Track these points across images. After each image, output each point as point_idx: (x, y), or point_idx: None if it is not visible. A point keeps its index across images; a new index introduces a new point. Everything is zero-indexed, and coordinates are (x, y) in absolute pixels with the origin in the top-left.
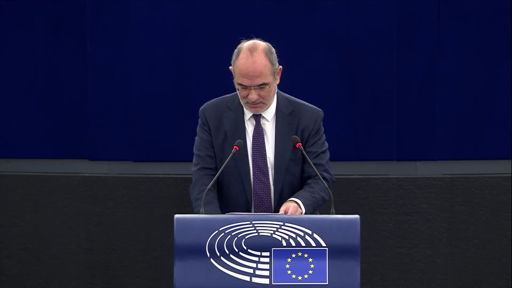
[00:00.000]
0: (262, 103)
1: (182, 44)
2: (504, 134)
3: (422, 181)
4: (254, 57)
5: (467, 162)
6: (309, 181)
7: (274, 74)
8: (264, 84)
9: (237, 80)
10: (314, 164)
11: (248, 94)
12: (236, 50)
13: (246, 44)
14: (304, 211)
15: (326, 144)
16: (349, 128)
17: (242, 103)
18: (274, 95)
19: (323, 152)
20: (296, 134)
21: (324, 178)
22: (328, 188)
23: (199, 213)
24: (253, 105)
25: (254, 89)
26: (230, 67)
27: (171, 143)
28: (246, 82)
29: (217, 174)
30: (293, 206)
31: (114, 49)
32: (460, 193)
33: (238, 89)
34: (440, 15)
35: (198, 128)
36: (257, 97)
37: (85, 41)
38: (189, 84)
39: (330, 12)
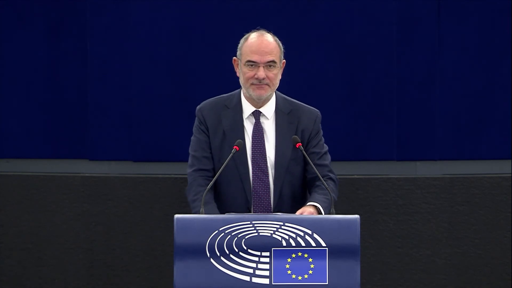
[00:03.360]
0: (267, 85)
1: (182, 44)
2: (504, 134)
3: (422, 181)
4: (264, 36)
5: (467, 162)
6: (317, 182)
7: (281, 59)
8: (273, 62)
9: (246, 58)
10: (318, 165)
11: (255, 74)
12: (243, 38)
13: (254, 31)
14: (323, 213)
15: (326, 145)
16: (349, 128)
17: (246, 87)
18: (277, 84)
19: (325, 153)
20: (296, 134)
21: (330, 179)
22: (335, 189)
23: (199, 213)
24: (258, 85)
25: (263, 67)
26: (234, 57)
27: (171, 143)
28: (256, 58)
29: (217, 175)
30: (308, 211)
31: (114, 49)
32: (460, 193)
33: (244, 72)
34: (440, 15)
35: (194, 128)
36: (265, 76)
37: (85, 41)
38: (189, 84)
39: (330, 12)
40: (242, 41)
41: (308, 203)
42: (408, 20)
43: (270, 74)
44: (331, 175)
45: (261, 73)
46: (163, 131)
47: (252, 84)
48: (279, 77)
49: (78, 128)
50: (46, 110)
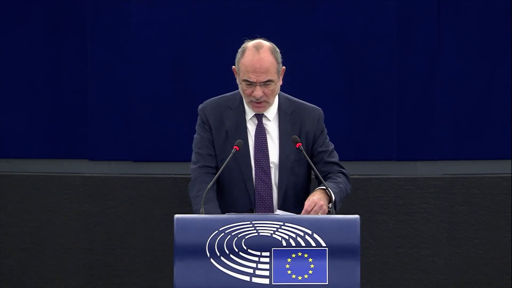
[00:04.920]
0: (266, 102)
1: (182, 44)
2: (504, 134)
3: (422, 181)
4: (260, 53)
5: (467, 162)
6: (328, 175)
7: (278, 72)
8: (270, 81)
9: (242, 77)
10: (330, 162)
11: (252, 91)
12: (240, 49)
13: (251, 43)
14: (333, 197)
15: (331, 143)
16: (349, 128)
17: (245, 102)
18: (276, 94)
19: (333, 150)
20: (299, 135)
21: (342, 173)
22: (348, 183)
23: (199, 213)
24: (256, 104)
25: (260, 85)
26: (233, 66)
27: (171, 143)
28: (252, 78)
29: (218, 174)
30: (317, 196)
31: (114, 49)
32: (460, 193)
33: (242, 88)
34: (440, 15)
35: (197, 127)
36: (262, 94)
37: (85, 41)
38: (189, 84)
39: (330, 12)
40: (239, 54)
41: (317, 188)
42: (408, 20)
43: (267, 91)
44: (343, 170)
45: (258, 92)
46: (163, 131)
47: (250, 101)
48: (280, 84)
49: (78, 128)
50: (46, 110)
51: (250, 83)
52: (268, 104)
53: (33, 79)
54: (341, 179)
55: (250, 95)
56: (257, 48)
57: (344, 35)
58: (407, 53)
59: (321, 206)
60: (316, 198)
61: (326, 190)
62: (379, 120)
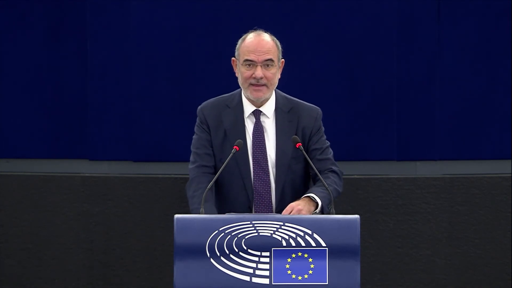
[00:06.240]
0: (266, 86)
1: (182, 44)
2: (504, 134)
3: (422, 181)
4: (261, 36)
5: (467, 162)
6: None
7: (279, 59)
8: (271, 61)
9: (243, 57)
10: (321, 159)
11: (253, 73)
12: (241, 38)
13: (252, 32)
14: (319, 202)
15: (328, 141)
16: (349, 128)
17: (244, 88)
18: (276, 83)
19: (327, 147)
20: (296, 132)
21: (333, 171)
22: (338, 181)
23: (198, 213)
24: (256, 86)
25: (261, 66)
26: (233, 58)
27: (171, 143)
28: (253, 57)
29: (217, 175)
30: (296, 207)
31: (114, 49)
32: (460, 193)
33: (242, 72)
34: (440, 15)
35: (196, 128)
36: (262, 75)
37: (85, 41)
38: (189, 84)
39: (330, 12)
40: (240, 41)
41: (303, 196)
42: (408, 20)
43: (268, 74)
44: (334, 167)
45: (259, 72)
46: (163, 131)
47: (250, 84)
48: (278, 76)
49: (78, 128)
50: (46, 110)
51: (251, 64)
52: (268, 90)
53: (33, 79)
54: (330, 179)
55: (250, 77)
56: (258, 33)
57: (344, 35)
58: (407, 53)
59: (299, 210)
60: (294, 204)
61: (311, 197)
62: (379, 120)
